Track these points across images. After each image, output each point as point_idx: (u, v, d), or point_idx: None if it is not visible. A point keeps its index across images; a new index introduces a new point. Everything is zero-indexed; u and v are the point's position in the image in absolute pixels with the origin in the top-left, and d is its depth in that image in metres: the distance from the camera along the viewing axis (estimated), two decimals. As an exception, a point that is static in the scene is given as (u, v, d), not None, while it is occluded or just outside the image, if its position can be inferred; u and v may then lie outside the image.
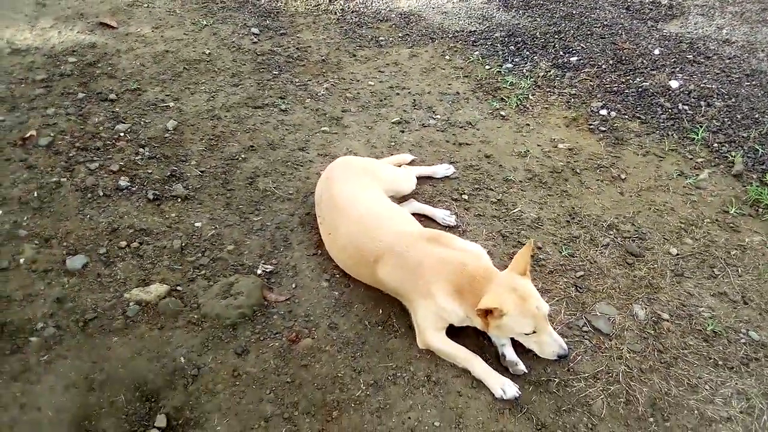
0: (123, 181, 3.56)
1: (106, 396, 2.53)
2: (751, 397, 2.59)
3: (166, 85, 4.49)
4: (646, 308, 2.95)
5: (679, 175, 3.80)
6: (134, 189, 3.53)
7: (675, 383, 2.63)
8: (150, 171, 3.66)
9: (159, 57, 4.82)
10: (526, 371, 2.62)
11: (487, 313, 2.50)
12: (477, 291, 2.54)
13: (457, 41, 5.23)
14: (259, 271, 3.09)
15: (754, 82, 4.62)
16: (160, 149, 3.85)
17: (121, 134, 3.95)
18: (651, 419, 2.50)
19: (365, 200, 3.03)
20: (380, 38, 5.26)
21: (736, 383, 2.65)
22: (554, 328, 2.77)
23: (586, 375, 2.65)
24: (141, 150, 3.82)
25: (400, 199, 3.43)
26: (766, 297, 3.05)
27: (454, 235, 3.12)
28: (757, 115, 4.24)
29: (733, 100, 4.41)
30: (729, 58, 4.94)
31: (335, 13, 5.64)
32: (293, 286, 3.03)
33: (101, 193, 3.48)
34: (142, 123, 4.07)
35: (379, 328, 2.84)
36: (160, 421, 2.48)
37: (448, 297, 2.63)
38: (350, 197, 3.03)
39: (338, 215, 3.00)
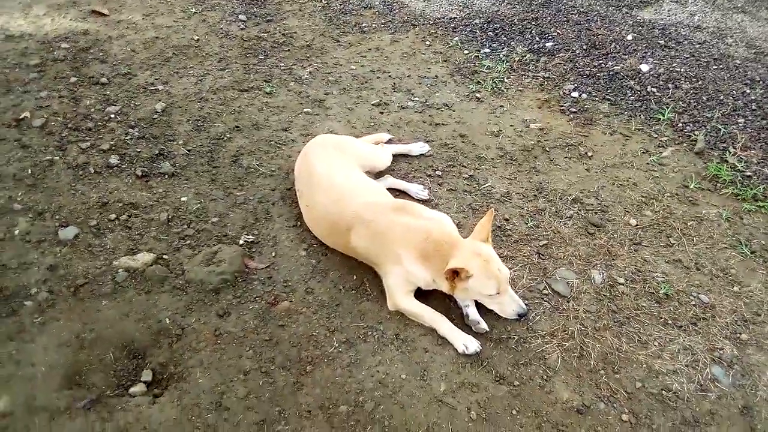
0: (113, 159, 3.73)
1: (96, 354, 2.72)
2: (697, 353, 2.79)
3: (156, 69, 4.65)
4: (603, 273, 3.15)
5: (643, 152, 3.99)
6: (123, 166, 3.70)
7: (626, 340, 2.83)
8: (139, 150, 3.83)
9: (149, 43, 4.98)
10: (488, 329, 2.81)
11: (454, 275, 2.69)
12: (442, 256, 2.74)
13: (438, 27, 5.40)
14: (241, 241, 3.27)
15: (721, 66, 4.80)
16: (149, 129, 4.02)
17: (112, 116, 4.11)
18: (602, 371, 2.70)
19: (340, 174, 3.21)
20: (363, 24, 5.43)
21: (684, 340, 2.85)
22: (516, 292, 2.97)
23: (544, 333, 2.85)
24: (130, 130, 3.99)
25: (377, 175, 3.61)
26: (719, 264, 3.25)
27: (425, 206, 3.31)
28: (721, 97, 4.43)
29: (700, 82, 4.59)
30: (699, 43, 5.12)
31: (320, 1, 5.80)
32: (273, 254, 3.21)
33: (92, 170, 3.65)
34: (132, 105, 4.24)
35: (353, 292, 3.03)
36: (146, 375, 2.67)
37: (416, 262, 2.82)
38: (326, 171, 3.21)
39: (315, 188, 3.19)
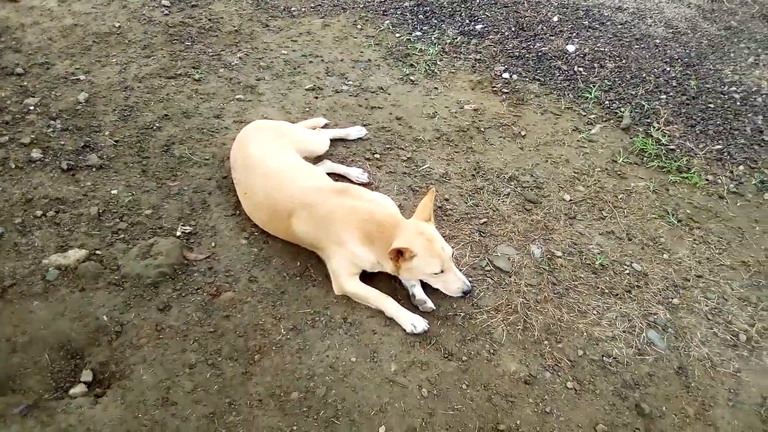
0: (35, 153, 3.53)
1: (30, 357, 2.58)
2: (633, 319, 2.92)
3: (76, 58, 4.42)
4: (541, 247, 3.24)
5: (573, 130, 4.12)
6: (47, 160, 3.51)
7: (567, 311, 2.93)
8: (63, 143, 3.64)
9: (67, 31, 4.72)
10: (435, 308, 2.85)
11: (398, 255, 2.70)
12: (386, 237, 2.74)
13: (368, 11, 5.37)
14: (178, 233, 3.17)
15: (642, 46, 5.01)
16: (72, 121, 3.82)
17: (31, 108, 3.89)
18: (545, 342, 2.79)
19: (277, 159, 3.16)
20: (292, 8, 5.33)
21: (620, 307, 2.97)
22: (460, 270, 3.01)
23: (489, 308, 2.91)
24: (52, 122, 3.79)
25: (315, 160, 3.57)
26: (648, 233, 3.40)
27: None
28: (644, 75, 4.63)
29: (624, 61, 4.78)
30: (621, 24, 5.31)
31: (247, -15, 5.66)
32: (213, 245, 3.13)
33: (13, 166, 3.44)
34: (52, 96, 4.02)
35: (298, 278, 3.00)
36: (86, 375, 2.57)
37: (360, 244, 2.82)
38: (263, 157, 3.15)
39: (252, 175, 3.13)
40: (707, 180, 3.77)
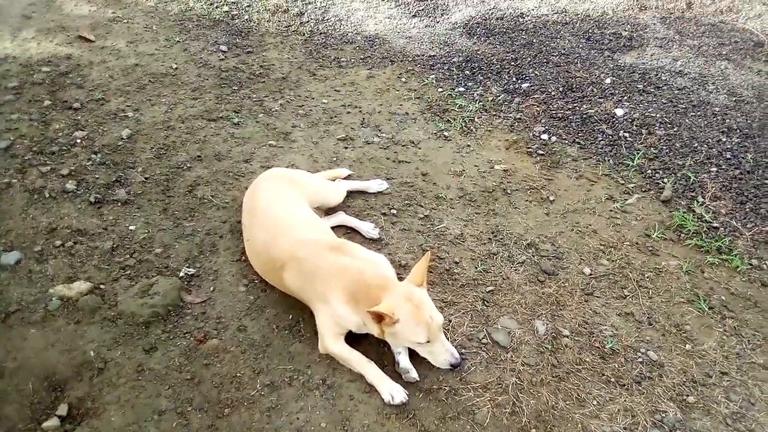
0: (70, 185, 3.70)
1: (15, 384, 2.65)
2: (637, 414, 2.65)
3: (130, 96, 4.66)
4: (547, 324, 3.03)
5: (607, 198, 3.89)
6: (79, 192, 3.67)
7: (563, 397, 2.70)
8: (97, 176, 3.81)
9: (128, 70, 5.00)
10: (418, 379, 2.70)
11: (380, 319, 2.59)
12: (371, 298, 2.63)
13: (416, 64, 5.38)
14: (181, 274, 3.21)
15: (699, 113, 4.71)
16: (111, 156, 4.00)
17: (78, 140, 4.11)
18: (533, 430, 2.57)
19: (282, 208, 3.14)
20: (342, 59, 5.42)
21: (625, 400, 2.71)
22: (454, 340, 2.87)
23: (477, 385, 2.73)
24: (93, 156, 3.97)
25: (328, 211, 3.55)
26: (673, 319, 3.12)
27: (372, 247, 3.23)
28: (696, 144, 4.33)
29: (675, 128, 4.50)
30: (679, 89, 5.03)
31: (303, 35, 5.81)
32: (212, 289, 3.14)
33: (47, 195, 3.62)
34: (99, 131, 4.23)
35: (286, 332, 2.94)
36: (62, 409, 2.59)
37: (345, 304, 2.72)
38: (268, 205, 3.15)
39: (256, 222, 3.13)
40: (750, 264, 3.43)
